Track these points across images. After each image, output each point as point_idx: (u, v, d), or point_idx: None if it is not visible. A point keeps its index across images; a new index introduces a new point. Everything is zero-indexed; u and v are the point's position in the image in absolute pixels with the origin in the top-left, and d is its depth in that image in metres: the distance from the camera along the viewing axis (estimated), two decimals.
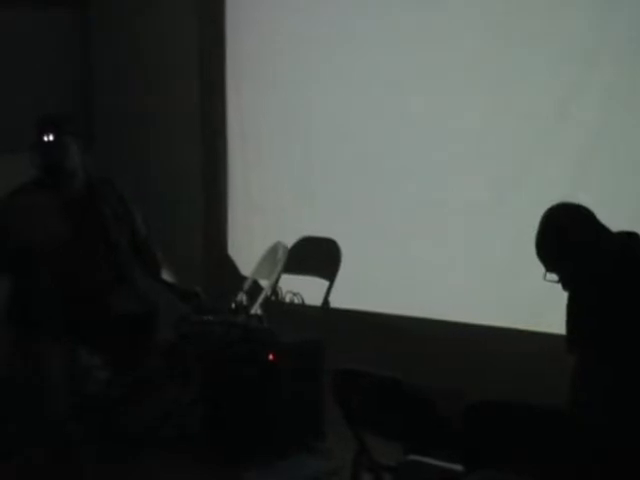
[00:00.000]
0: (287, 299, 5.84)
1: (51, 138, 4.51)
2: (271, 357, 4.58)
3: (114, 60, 6.69)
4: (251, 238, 6.31)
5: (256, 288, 5.85)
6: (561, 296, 3.42)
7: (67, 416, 4.39)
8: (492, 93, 5.24)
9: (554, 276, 3.39)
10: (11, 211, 4.50)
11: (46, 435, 4.38)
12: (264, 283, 5.89)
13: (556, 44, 5.01)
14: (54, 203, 4.53)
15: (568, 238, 3.35)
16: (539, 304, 4.73)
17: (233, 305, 5.03)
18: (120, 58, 6.68)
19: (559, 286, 3.40)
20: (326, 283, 5.79)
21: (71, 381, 4.45)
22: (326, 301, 5.78)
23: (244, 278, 6.02)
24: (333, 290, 5.79)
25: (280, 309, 5.77)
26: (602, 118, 4.89)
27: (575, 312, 3.37)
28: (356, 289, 5.73)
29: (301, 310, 5.77)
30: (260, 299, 5.70)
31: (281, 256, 5.90)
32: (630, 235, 3.37)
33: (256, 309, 5.44)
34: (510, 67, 5.17)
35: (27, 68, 6.21)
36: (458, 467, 3.20)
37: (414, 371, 3.63)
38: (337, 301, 5.79)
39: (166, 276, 4.90)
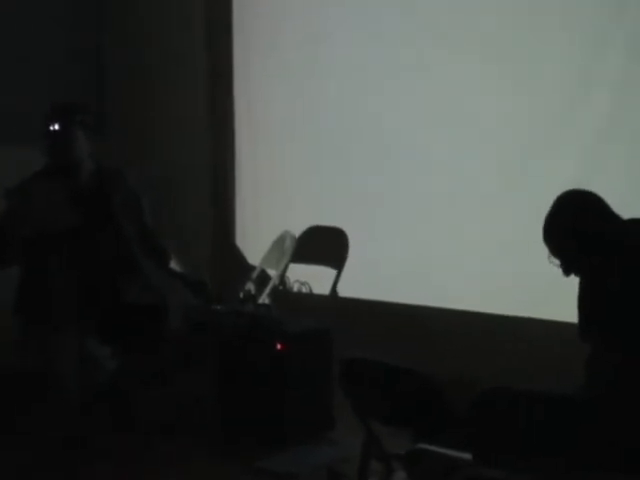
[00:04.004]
0: (295, 288, 5.85)
1: (57, 128, 4.52)
2: (279, 346, 4.58)
3: (124, 51, 6.69)
4: (259, 227, 6.31)
5: (264, 277, 5.86)
6: (573, 284, 3.42)
7: (76, 406, 4.40)
8: (504, 79, 5.22)
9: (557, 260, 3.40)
10: (21, 200, 4.50)
11: (56, 425, 4.40)
12: (272, 272, 5.90)
13: (570, 28, 4.99)
14: (63, 193, 4.54)
15: (574, 225, 3.35)
16: (551, 292, 4.72)
17: (241, 294, 5.03)
18: (130, 49, 6.68)
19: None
20: (334, 272, 5.80)
21: (81, 371, 4.46)
22: (334, 290, 5.79)
23: (252, 267, 6.03)
24: (341, 279, 5.79)
25: (288, 298, 5.77)
26: (616, 103, 4.87)
27: (585, 301, 3.37)
28: (364, 278, 5.73)
29: (309, 299, 5.78)
30: (268, 288, 5.72)
31: (289, 245, 5.90)
32: None
33: (264, 298, 5.45)
34: (523, 52, 5.14)
35: (38, 59, 6.20)
36: (467, 456, 3.21)
37: (423, 360, 3.64)
38: (345, 290, 5.79)
39: (174, 266, 4.90)
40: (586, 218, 3.35)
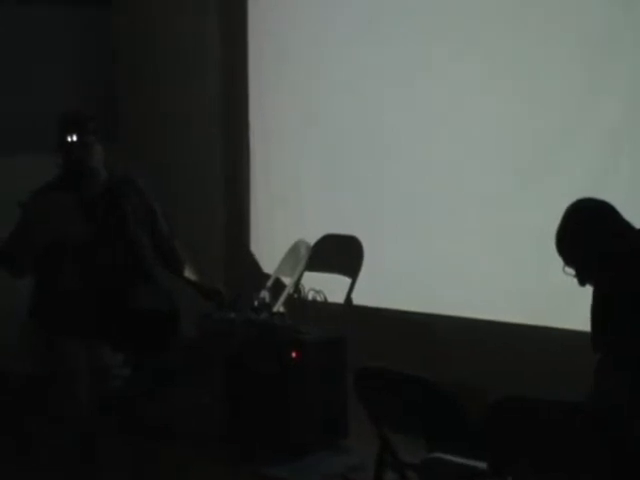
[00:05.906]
0: (310, 296, 5.84)
1: (74, 138, 4.52)
2: (294, 355, 4.58)
3: (135, 59, 6.71)
4: (274, 236, 6.31)
5: (279, 285, 5.86)
6: (584, 292, 3.40)
7: (89, 413, 4.41)
8: (514, 81, 5.20)
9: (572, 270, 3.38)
10: (35, 210, 4.51)
11: (68, 431, 4.40)
12: (287, 280, 5.89)
13: (579, 28, 4.96)
14: (77, 202, 4.54)
15: (586, 235, 3.33)
16: (562, 300, 4.70)
17: (256, 303, 5.03)
18: (141, 57, 6.70)
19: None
20: (349, 280, 5.79)
21: (93, 378, 4.47)
22: (349, 298, 5.78)
23: (267, 275, 6.03)
24: (356, 287, 5.79)
25: (303, 306, 5.77)
26: (625, 105, 4.84)
27: (597, 310, 3.34)
28: (379, 286, 5.72)
29: (324, 307, 5.77)
30: (283, 296, 5.71)
31: (304, 253, 5.90)
32: None
33: (279, 306, 5.45)
34: (532, 54, 5.13)
35: (48, 67, 6.23)
36: (482, 464, 3.19)
37: (437, 368, 3.63)
38: (360, 298, 5.78)
39: (189, 274, 4.90)
40: (598, 227, 3.33)
